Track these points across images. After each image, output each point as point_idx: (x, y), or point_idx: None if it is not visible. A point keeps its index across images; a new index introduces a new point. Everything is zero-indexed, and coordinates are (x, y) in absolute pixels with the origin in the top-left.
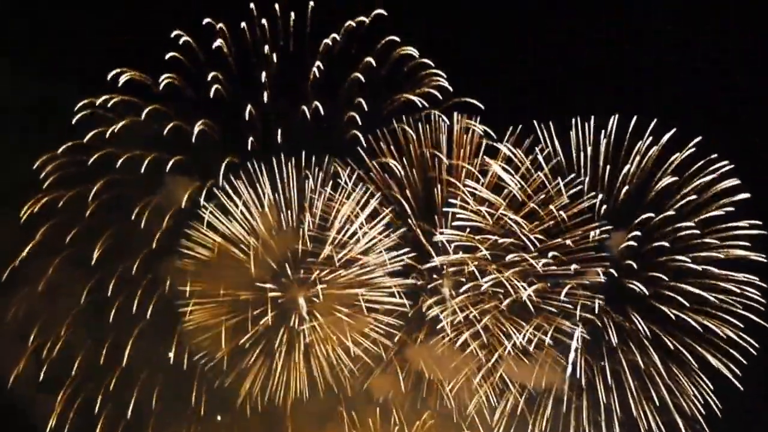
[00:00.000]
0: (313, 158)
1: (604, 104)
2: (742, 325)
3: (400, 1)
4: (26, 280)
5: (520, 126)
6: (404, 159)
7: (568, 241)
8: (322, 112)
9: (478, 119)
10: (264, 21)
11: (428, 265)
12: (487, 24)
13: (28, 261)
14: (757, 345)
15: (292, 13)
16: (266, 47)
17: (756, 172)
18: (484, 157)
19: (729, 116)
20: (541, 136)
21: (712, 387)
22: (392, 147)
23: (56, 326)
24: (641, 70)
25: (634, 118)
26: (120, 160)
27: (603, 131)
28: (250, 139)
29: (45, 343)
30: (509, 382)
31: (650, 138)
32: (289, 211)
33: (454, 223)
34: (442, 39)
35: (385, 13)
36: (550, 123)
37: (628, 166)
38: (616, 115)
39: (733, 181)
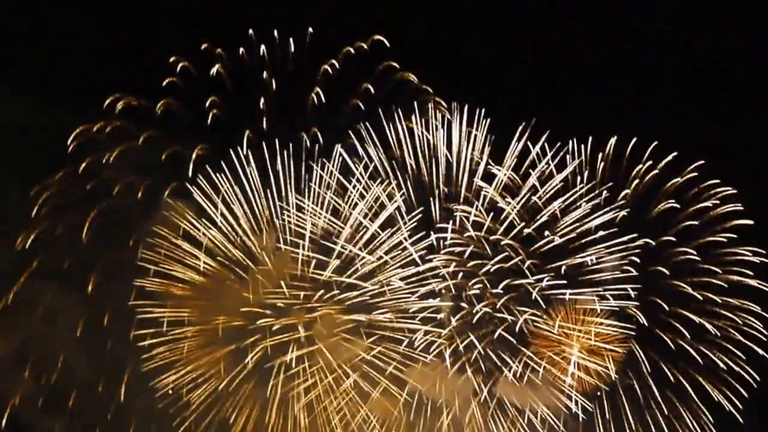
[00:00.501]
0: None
1: (604, 104)
2: (743, 356)
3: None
4: (24, 308)
5: (519, 147)
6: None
7: (563, 267)
8: (320, 138)
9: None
10: (263, 46)
11: (424, 289)
12: (487, 24)
13: (24, 289)
14: (758, 377)
15: (291, 39)
16: (265, 73)
17: (754, 177)
18: (478, 183)
19: (729, 116)
20: (536, 158)
21: (712, 420)
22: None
23: (54, 353)
24: (641, 70)
25: (633, 140)
26: (116, 187)
27: (600, 153)
28: (249, 161)
29: (44, 370)
30: (507, 407)
31: (649, 162)
32: (287, 231)
33: (449, 249)
34: (442, 39)
35: (385, 41)
36: (546, 145)
37: (626, 190)
38: (614, 138)
39: (736, 207)
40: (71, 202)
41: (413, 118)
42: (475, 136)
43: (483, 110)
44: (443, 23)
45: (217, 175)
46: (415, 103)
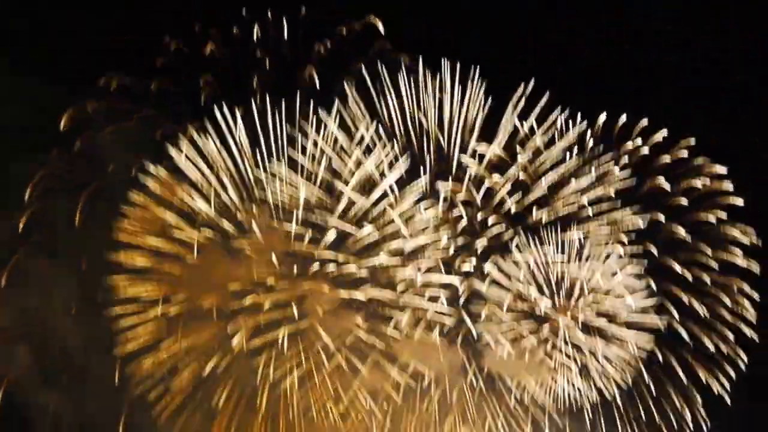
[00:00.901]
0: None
1: (604, 105)
2: (732, 337)
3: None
4: (18, 287)
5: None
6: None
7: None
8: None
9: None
10: (256, 26)
11: (414, 264)
12: (487, 24)
13: (19, 268)
14: (746, 359)
15: (284, 19)
16: (258, 52)
17: (754, 177)
18: (467, 161)
19: (729, 116)
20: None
21: (700, 401)
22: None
23: (49, 331)
24: (641, 70)
25: (622, 117)
26: (110, 166)
27: (590, 130)
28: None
29: (39, 348)
30: (496, 382)
31: (639, 139)
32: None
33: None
34: (442, 39)
35: (378, 21)
36: (534, 122)
37: (616, 168)
38: (604, 114)
39: (727, 185)
40: (65, 180)
41: (403, 88)
42: (468, 102)
43: (477, 69)
44: (443, 23)
45: (204, 136)
46: (404, 68)
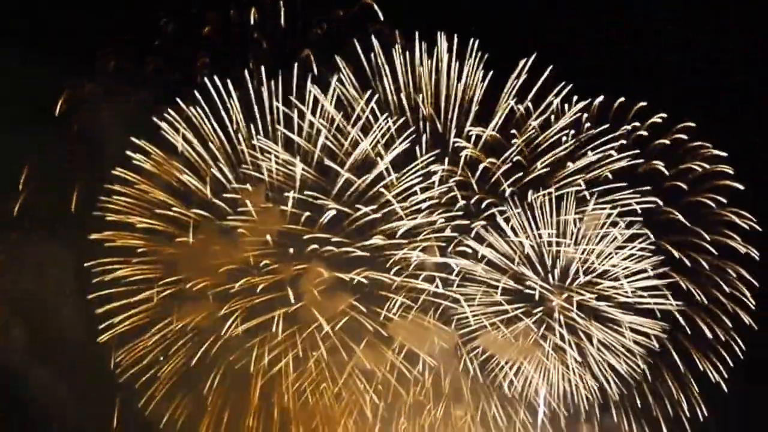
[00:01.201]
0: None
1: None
2: (730, 324)
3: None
4: (14, 269)
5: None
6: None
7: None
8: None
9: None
10: (253, 9)
11: (410, 245)
12: (486, 24)
13: (15, 250)
14: (743, 346)
15: (281, 2)
16: (255, 34)
17: (754, 177)
18: (462, 143)
19: (729, 116)
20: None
21: (697, 389)
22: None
23: (46, 313)
24: (641, 70)
25: (619, 100)
26: (105, 146)
27: (585, 114)
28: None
29: (35, 330)
30: (490, 361)
31: (636, 123)
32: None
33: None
34: (439, 16)
35: (374, 3)
36: (529, 104)
37: (611, 151)
38: (601, 97)
39: (726, 169)
40: (61, 161)
41: (399, 66)
42: (465, 78)
43: (476, 42)
44: (443, 24)
45: (199, 114)
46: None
